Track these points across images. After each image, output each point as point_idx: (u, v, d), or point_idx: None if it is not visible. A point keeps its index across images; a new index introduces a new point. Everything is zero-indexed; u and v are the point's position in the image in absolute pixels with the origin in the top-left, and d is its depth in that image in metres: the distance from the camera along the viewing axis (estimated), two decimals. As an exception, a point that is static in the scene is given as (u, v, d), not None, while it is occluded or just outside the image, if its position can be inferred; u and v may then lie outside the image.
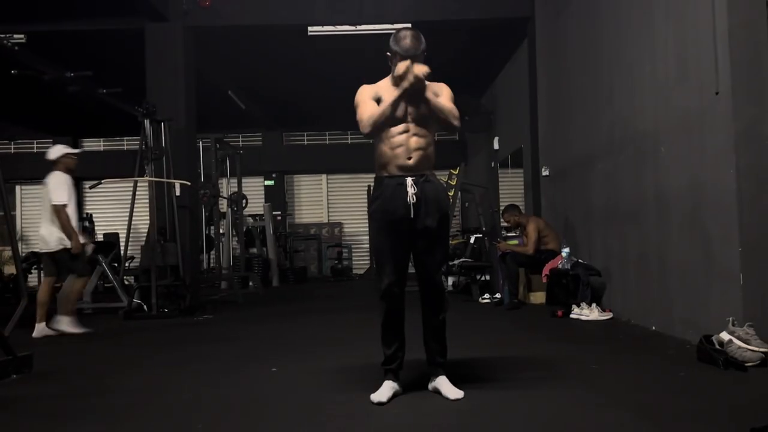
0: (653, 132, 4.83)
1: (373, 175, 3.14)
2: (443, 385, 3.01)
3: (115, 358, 4.54)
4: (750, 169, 3.73)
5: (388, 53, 3.02)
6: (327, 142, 15.32)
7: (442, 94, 3.06)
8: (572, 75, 6.76)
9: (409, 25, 3.13)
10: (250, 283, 10.73)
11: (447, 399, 2.94)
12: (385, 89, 3.05)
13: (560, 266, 6.29)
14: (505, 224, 7.72)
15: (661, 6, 4.66)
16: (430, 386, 3.08)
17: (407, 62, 2.91)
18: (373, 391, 2.96)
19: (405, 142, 3.01)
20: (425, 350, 3.11)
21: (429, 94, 2.97)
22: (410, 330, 3.12)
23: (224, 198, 10.99)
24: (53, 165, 5.80)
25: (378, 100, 3.02)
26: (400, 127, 3.01)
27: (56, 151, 5.87)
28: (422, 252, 3.04)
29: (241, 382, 3.52)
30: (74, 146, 14.82)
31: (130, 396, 3.30)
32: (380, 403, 2.88)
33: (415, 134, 3.02)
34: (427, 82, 3.10)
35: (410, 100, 3.03)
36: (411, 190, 2.99)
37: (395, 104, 2.95)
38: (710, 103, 3.98)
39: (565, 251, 6.28)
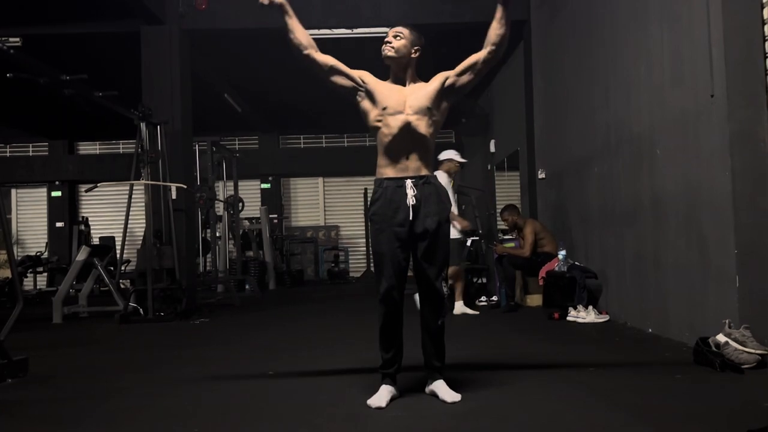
0: (649, 134, 4.84)
1: (370, 178, 3.13)
2: (440, 388, 3.00)
3: (111, 362, 4.52)
4: (745, 171, 3.74)
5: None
6: (323, 145, 15.31)
7: (448, 72, 3.10)
8: (568, 77, 6.77)
9: (406, 28, 3.17)
10: (247, 287, 10.72)
11: (444, 402, 2.93)
12: (385, 83, 3.09)
13: (557, 269, 6.29)
14: (503, 225, 7.73)
15: (656, 9, 4.68)
16: (427, 389, 3.07)
17: None
18: (371, 395, 2.96)
19: (403, 130, 2.99)
20: (423, 354, 3.10)
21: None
22: (407, 333, 3.12)
23: (221, 201, 10.98)
24: (438, 165, 6.56)
25: (357, 80, 3.09)
26: (399, 116, 3.00)
27: (445, 154, 6.66)
28: (422, 256, 3.01)
29: (237, 386, 3.51)
30: (70, 150, 14.83)
31: (127, 400, 3.29)
32: (379, 408, 2.86)
33: (415, 136, 3.01)
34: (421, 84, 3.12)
35: (408, 91, 3.04)
36: (411, 192, 2.98)
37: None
38: (705, 106, 3.99)
39: (562, 254, 6.29)
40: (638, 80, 5.00)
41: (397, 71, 3.12)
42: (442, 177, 6.37)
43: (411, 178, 3.00)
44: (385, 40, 3.07)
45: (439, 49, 8.80)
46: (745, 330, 3.46)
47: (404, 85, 3.09)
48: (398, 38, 3.07)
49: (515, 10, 8.05)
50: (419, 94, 3.04)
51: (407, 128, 2.99)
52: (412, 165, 3.01)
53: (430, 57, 3.15)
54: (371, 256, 3.80)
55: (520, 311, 6.67)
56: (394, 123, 2.99)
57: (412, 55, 3.11)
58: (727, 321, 3.56)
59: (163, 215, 7.32)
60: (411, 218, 2.97)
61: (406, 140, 3.00)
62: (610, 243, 5.73)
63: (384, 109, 3.01)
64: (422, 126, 3.01)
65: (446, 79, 3.09)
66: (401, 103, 3.01)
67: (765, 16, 3.77)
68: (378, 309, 3.02)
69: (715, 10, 3.86)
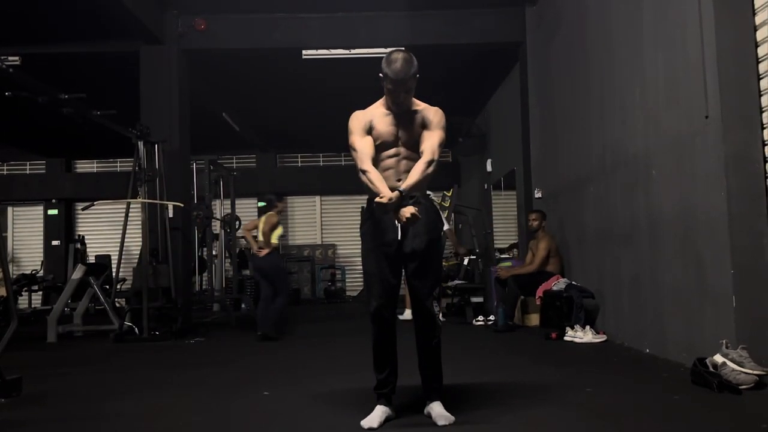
0: (644, 155, 4.86)
1: (366, 197, 3.13)
2: (435, 410, 2.98)
3: (106, 382, 4.48)
4: (741, 192, 3.76)
5: (380, 74, 3.04)
6: (321, 163, 15.36)
7: (432, 122, 3.06)
8: (563, 98, 6.82)
9: (403, 48, 3.15)
10: (243, 306, 10.67)
11: (437, 424, 2.89)
12: (378, 115, 3.08)
13: (554, 288, 6.28)
14: (500, 244, 7.71)
15: (650, 31, 4.73)
16: (426, 411, 3.05)
17: (396, 195, 2.82)
18: (366, 415, 2.93)
19: (395, 165, 3.04)
20: (420, 374, 3.08)
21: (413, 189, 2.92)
22: (405, 354, 3.10)
23: (217, 219, 10.97)
24: None
25: (370, 130, 3.04)
26: (391, 150, 3.04)
27: None
28: (413, 275, 3.02)
29: (232, 406, 3.49)
30: (67, 168, 14.84)
31: (121, 421, 3.26)
32: (371, 429, 2.84)
33: (405, 157, 3.04)
34: (421, 105, 3.12)
35: (401, 123, 3.05)
36: None
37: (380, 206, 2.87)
38: (700, 127, 4.02)
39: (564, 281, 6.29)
40: (633, 102, 5.04)
41: (399, 92, 3.09)
42: None
43: None
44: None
45: (435, 70, 8.90)
46: (742, 350, 3.45)
47: (400, 107, 3.07)
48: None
49: (512, 32, 8.15)
50: (411, 130, 3.05)
51: (398, 158, 3.05)
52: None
53: (428, 76, 3.15)
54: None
55: (518, 331, 6.64)
56: (386, 153, 3.05)
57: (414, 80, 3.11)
58: (724, 341, 3.55)
59: (160, 234, 7.31)
60: (399, 238, 2.98)
61: (398, 165, 3.05)
62: (606, 263, 5.73)
63: (378, 141, 3.05)
64: (413, 154, 3.05)
65: (426, 131, 3.06)
66: (393, 135, 3.04)
67: (758, 38, 3.81)
68: (371, 328, 3.02)
69: (708, 33, 3.90)
